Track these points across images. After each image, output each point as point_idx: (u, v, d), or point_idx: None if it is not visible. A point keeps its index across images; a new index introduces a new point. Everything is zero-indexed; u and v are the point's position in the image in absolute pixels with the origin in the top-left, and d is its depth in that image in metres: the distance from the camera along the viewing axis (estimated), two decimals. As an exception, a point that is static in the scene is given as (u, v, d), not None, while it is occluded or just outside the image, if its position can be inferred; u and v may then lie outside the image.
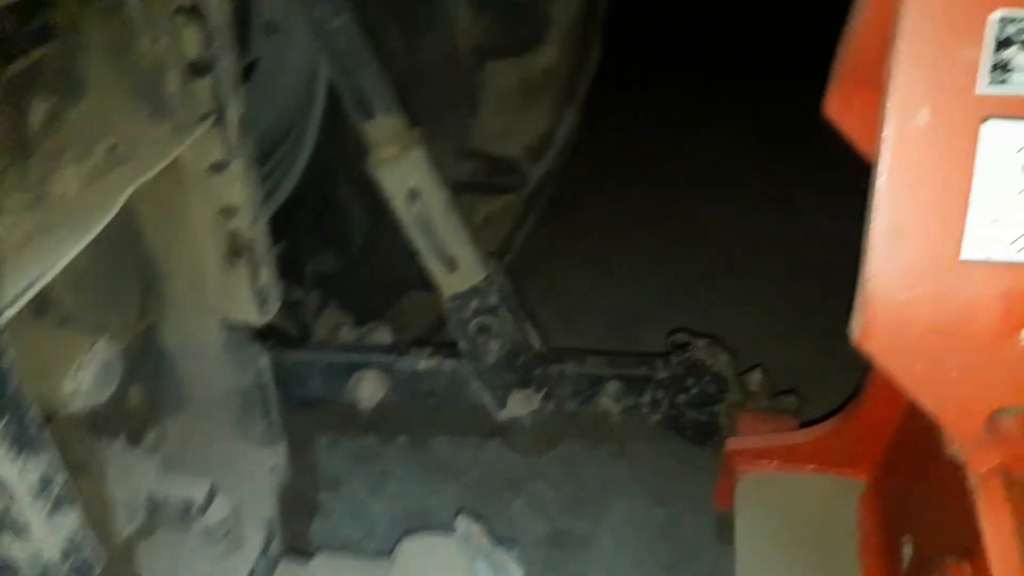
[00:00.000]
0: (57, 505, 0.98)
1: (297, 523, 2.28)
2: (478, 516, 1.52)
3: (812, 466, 1.59)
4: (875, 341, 0.73)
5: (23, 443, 0.91)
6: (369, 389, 1.96)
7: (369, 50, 1.64)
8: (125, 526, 1.41)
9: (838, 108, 0.88)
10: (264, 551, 1.56)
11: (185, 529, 1.47)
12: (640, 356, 2.10)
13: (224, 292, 1.53)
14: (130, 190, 1.20)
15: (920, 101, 0.66)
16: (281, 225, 2.28)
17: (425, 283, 1.90)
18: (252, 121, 1.46)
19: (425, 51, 1.98)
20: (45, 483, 0.95)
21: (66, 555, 1.00)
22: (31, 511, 0.94)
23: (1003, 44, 0.64)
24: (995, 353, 0.72)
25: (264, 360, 1.64)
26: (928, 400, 0.76)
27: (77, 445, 1.43)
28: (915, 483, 1.25)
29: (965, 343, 0.72)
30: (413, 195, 1.73)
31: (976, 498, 0.79)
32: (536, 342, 2.03)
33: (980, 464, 0.79)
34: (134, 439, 1.58)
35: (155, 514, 1.43)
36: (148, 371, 1.64)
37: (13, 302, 0.98)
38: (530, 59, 2.02)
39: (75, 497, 1.01)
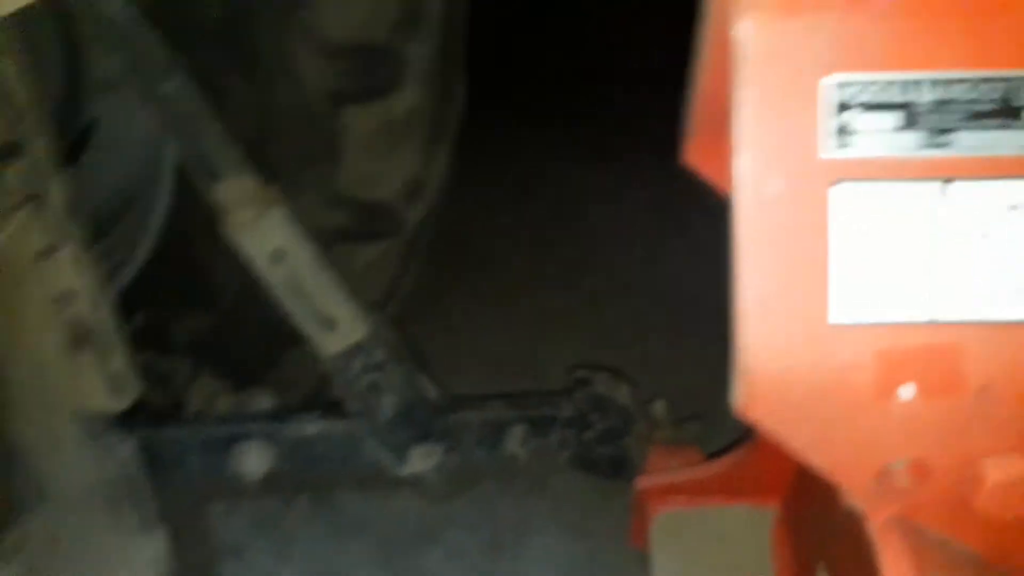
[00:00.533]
0: None
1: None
2: (391, 568, 1.44)
3: (722, 498, 1.59)
4: (757, 410, 0.70)
5: None
6: (254, 462, 1.84)
7: (207, 109, 1.54)
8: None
9: (696, 156, 0.86)
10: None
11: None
12: (542, 396, 2.06)
13: (71, 383, 1.41)
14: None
15: (768, 171, 0.63)
16: (140, 293, 2.14)
17: (307, 341, 1.81)
18: (98, 184, 1.35)
19: (276, 101, 1.88)
20: None
21: None
22: None
23: (841, 108, 0.62)
24: (877, 410, 0.71)
25: (128, 446, 1.52)
26: (817, 461, 0.74)
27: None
28: (822, 513, 1.25)
29: (846, 404, 0.71)
30: (277, 257, 1.63)
31: (876, 550, 0.78)
32: (432, 393, 1.96)
33: (877, 515, 0.77)
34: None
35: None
36: (-2, 474, 1.49)
37: None
38: (391, 101, 1.95)
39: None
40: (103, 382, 1.41)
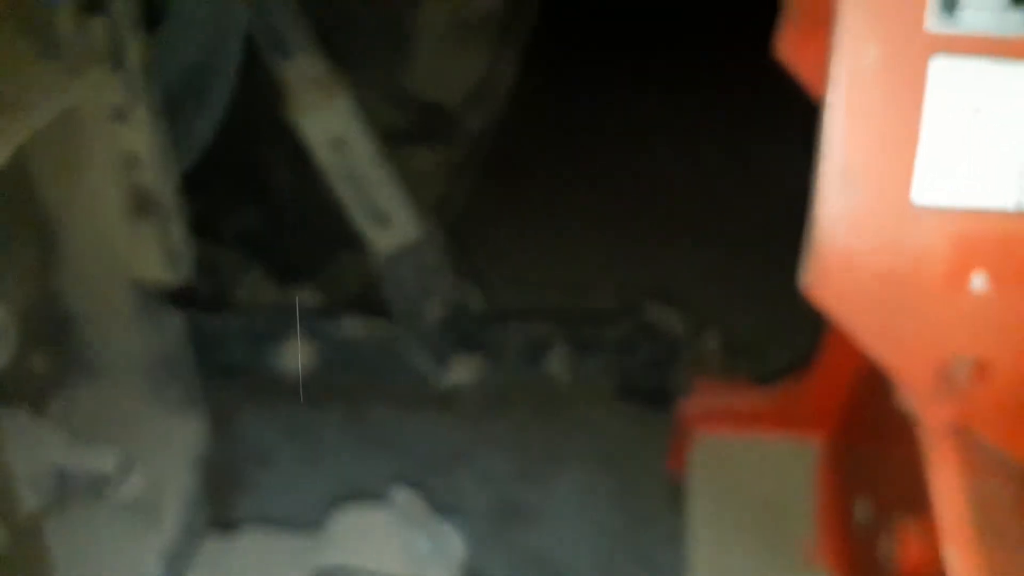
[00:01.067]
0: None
1: (224, 499, 2.25)
2: (419, 486, 1.51)
3: (768, 428, 1.61)
4: (825, 289, 0.73)
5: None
6: (296, 357, 1.93)
7: None
8: (30, 502, 1.36)
9: (789, 49, 0.87)
10: (185, 527, 1.53)
11: (97, 504, 1.44)
12: (589, 317, 2.10)
13: (131, 251, 1.48)
14: (20, 140, 1.14)
15: (868, 38, 0.65)
16: (198, 181, 2.21)
17: (357, 242, 1.86)
18: (162, 68, 1.40)
19: (351, -16, 1.91)
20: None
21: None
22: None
23: (949, -20, 0.64)
24: (946, 301, 0.73)
25: (178, 323, 1.60)
26: (879, 350, 0.76)
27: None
28: (871, 442, 1.28)
29: (916, 290, 0.73)
30: (337, 145, 1.68)
31: (927, 455, 0.81)
32: (479, 304, 2.02)
33: (932, 419, 0.80)
34: (38, 409, 1.53)
35: (64, 489, 1.39)
36: (52, 336, 1.58)
37: None
38: (468, -1, 1.97)
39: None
40: (160, 254, 1.48)
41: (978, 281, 0.71)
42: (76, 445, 1.41)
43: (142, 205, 1.44)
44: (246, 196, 2.28)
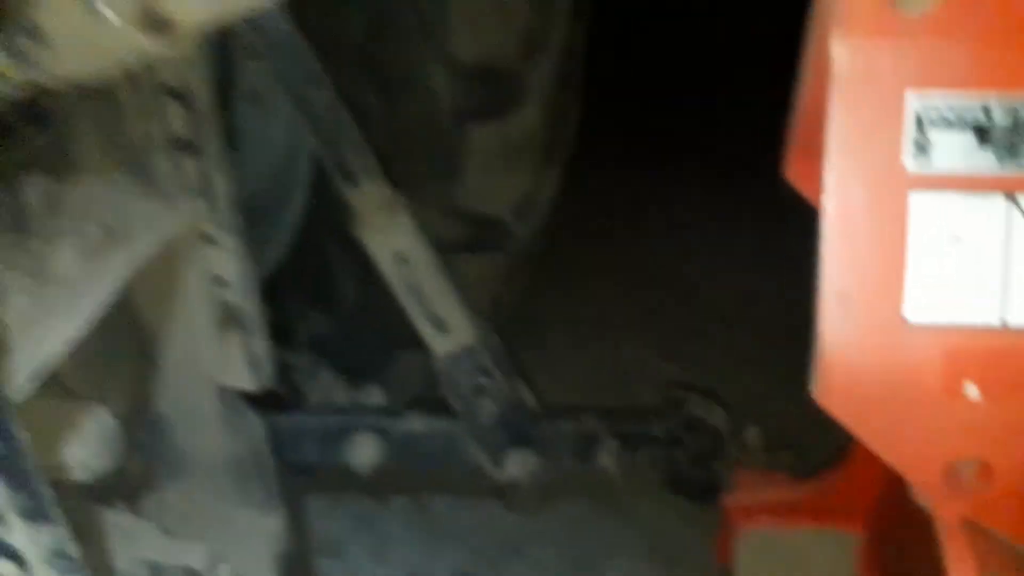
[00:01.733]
0: (68, 574, 1.04)
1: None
2: None
3: (808, 521, 1.64)
4: (831, 397, 0.81)
5: (36, 515, 0.98)
6: (365, 452, 2.02)
7: (349, 120, 1.74)
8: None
9: (795, 171, 0.97)
10: (264, 616, 1.61)
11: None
12: (636, 412, 2.16)
13: (218, 360, 1.61)
14: (127, 266, 1.28)
15: (854, 175, 0.75)
16: (271, 290, 2.37)
17: (418, 343, 1.97)
18: (239, 189, 1.55)
19: (405, 115, 2.08)
20: (57, 553, 1.01)
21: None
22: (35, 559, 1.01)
23: (923, 123, 0.73)
24: (944, 408, 0.80)
25: (259, 426, 1.71)
26: (886, 452, 0.83)
27: (77, 512, 1.49)
28: (902, 535, 1.31)
29: (915, 399, 0.80)
30: (400, 259, 1.81)
31: (942, 550, 0.86)
32: (531, 401, 2.10)
33: (945, 515, 0.86)
34: (133, 507, 1.64)
35: (156, 577, 1.49)
36: (146, 439, 1.71)
37: (21, 386, 1.06)
38: (510, 121, 2.12)
39: (83, 566, 1.07)
40: (244, 362, 1.60)
41: (972, 391, 0.79)
42: (168, 541, 1.52)
43: (228, 319, 1.58)
44: (317, 304, 2.43)
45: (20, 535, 0.98)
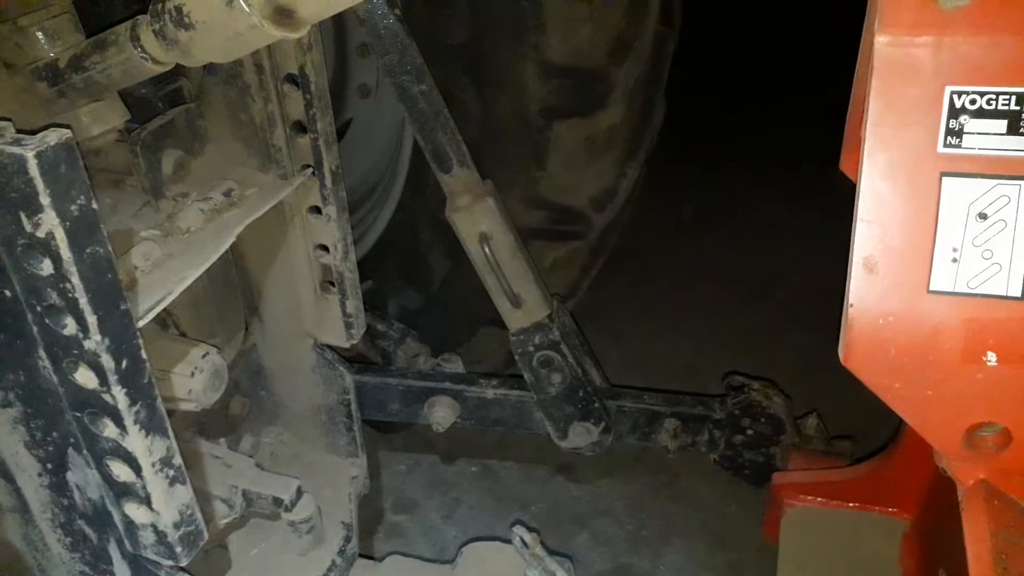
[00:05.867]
0: (173, 482, 1.14)
1: (373, 540, 2.42)
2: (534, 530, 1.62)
3: (856, 503, 1.62)
4: (857, 360, 0.82)
5: (151, 427, 1.08)
6: (442, 413, 2.10)
7: (447, 112, 1.82)
8: (223, 516, 1.57)
9: (848, 165, 0.98)
10: (342, 550, 1.70)
11: (273, 524, 1.63)
12: (697, 396, 2.17)
13: (316, 318, 1.70)
14: (242, 227, 1.38)
15: (889, 158, 0.76)
16: (370, 267, 2.48)
17: (497, 321, 2.04)
18: (346, 174, 1.63)
19: (499, 112, 2.14)
20: (165, 462, 1.11)
21: (177, 525, 1.15)
22: (153, 484, 1.10)
23: (957, 112, 0.73)
24: (964, 375, 0.80)
25: (349, 380, 1.80)
26: (909, 415, 0.83)
27: (185, 443, 1.61)
28: (949, 521, 1.29)
29: (936, 364, 0.80)
30: (484, 239, 1.88)
31: (962, 511, 0.86)
32: (597, 378, 2.13)
33: (965, 479, 0.86)
34: (233, 444, 1.76)
35: (249, 508, 1.59)
36: (247, 386, 1.82)
37: (146, 315, 1.16)
38: (595, 119, 2.15)
39: (187, 478, 1.17)
40: (341, 321, 1.69)
41: (991, 358, 0.79)
42: (260, 473, 1.62)
43: (328, 282, 1.67)
44: (409, 281, 2.52)
45: (136, 442, 1.08)
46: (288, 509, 1.58)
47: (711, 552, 2.38)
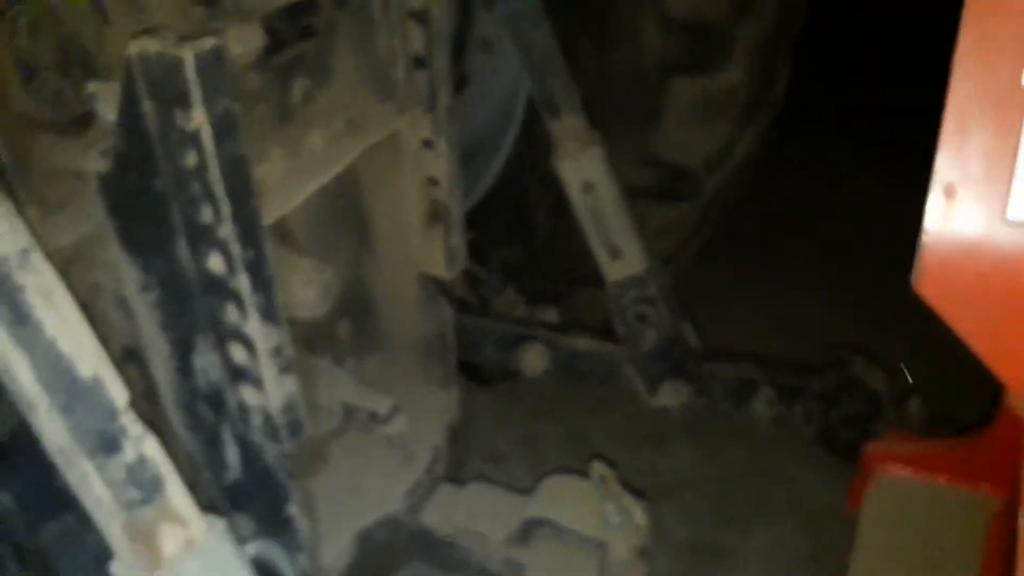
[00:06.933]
0: (284, 370, 1.30)
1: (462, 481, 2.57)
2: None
3: (947, 477, 1.63)
4: (930, 288, 0.88)
5: (269, 316, 1.25)
6: (534, 360, 2.22)
7: (561, 59, 1.92)
8: (324, 425, 1.75)
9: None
10: (429, 469, 1.85)
11: (369, 437, 1.80)
12: (795, 365, 2.20)
13: (422, 250, 1.85)
14: (359, 151, 1.54)
15: (976, 88, 0.81)
16: (476, 220, 2.61)
17: (596, 281, 2.13)
18: (461, 126, 1.76)
19: (615, 65, 2.22)
20: (278, 350, 1.28)
21: (285, 411, 1.32)
22: (266, 368, 1.28)
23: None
24: (1037, 305, 0.85)
25: (449, 313, 1.94)
26: (980, 348, 0.88)
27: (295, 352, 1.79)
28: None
29: (1012, 296, 0.85)
30: (587, 187, 1.98)
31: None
32: (692, 339, 2.20)
33: (1035, 416, 0.91)
34: (337, 363, 1.94)
35: (348, 419, 1.76)
36: (354, 311, 1.99)
37: (271, 220, 1.34)
38: (714, 77, 2.21)
39: (295, 369, 1.33)
40: (443, 254, 1.84)
41: (1067, 291, 0.83)
42: (361, 389, 1.79)
43: (435, 215, 1.82)
44: (513, 234, 2.65)
45: (254, 327, 1.25)
46: (383, 423, 1.75)
47: (800, 533, 2.39)
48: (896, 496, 1.63)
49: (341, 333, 1.96)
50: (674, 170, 2.36)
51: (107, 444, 0.97)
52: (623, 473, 2.57)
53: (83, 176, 1.27)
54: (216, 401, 1.38)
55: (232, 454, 1.43)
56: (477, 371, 2.53)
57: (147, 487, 1.00)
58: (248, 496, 1.43)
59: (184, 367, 1.37)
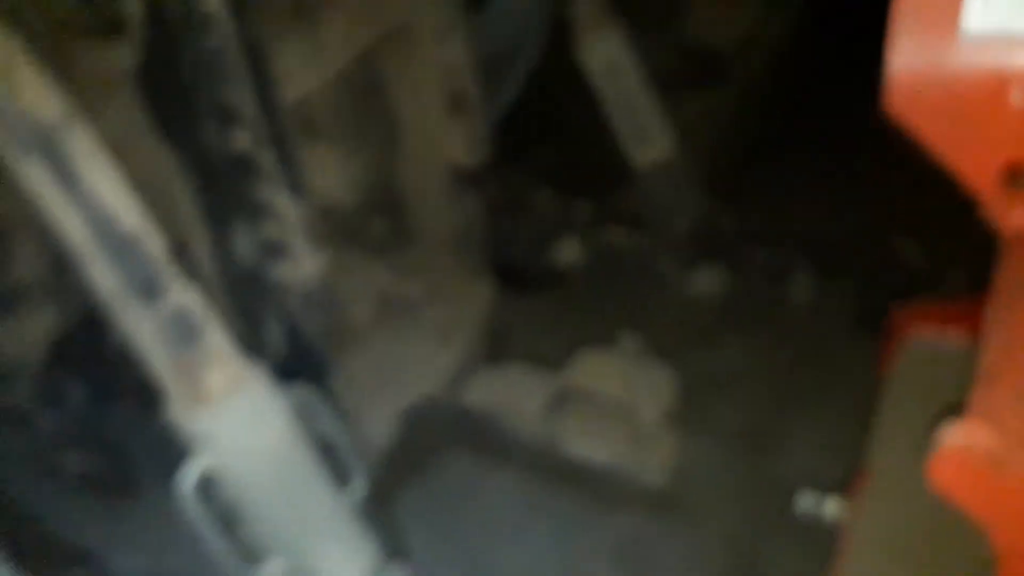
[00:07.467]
0: (315, 244, 1.44)
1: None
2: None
3: (973, 334, 1.64)
4: (899, 104, 0.94)
5: (296, 187, 1.38)
6: (569, 253, 2.32)
7: None
8: (363, 315, 1.90)
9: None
10: (467, 352, 1.99)
11: (410, 323, 1.94)
12: (835, 244, 2.23)
13: (446, 139, 1.95)
14: (374, 37, 1.64)
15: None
16: (510, 124, 2.69)
17: (629, 178, 2.18)
18: (489, 37, 1.78)
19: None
20: (308, 224, 1.41)
21: (318, 284, 1.47)
22: (298, 240, 1.41)
23: None
24: (995, 114, 0.90)
25: (478, 203, 2.04)
26: (946, 154, 0.95)
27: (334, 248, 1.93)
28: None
29: (970, 105, 0.91)
30: (612, 69, 2.05)
31: (1001, 258, 0.98)
32: (728, 222, 2.26)
33: (1006, 226, 0.97)
34: (374, 256, 2.07)
35: (384, 306, 1.90)
36: (386, 208, 2.12)
37: (291, 100, 1.46)
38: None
39: (325, 248, 1.46)
40: (467, 142, 1.94)
41: (1018, 97, 0.89)
42: (394, 275, 1.92)
43: (456, 104, 1.91)
44: (545, 135, 2.73)
45: (282, 200, 1.38)
46: (419, 307, 1.88)
47: (847, 417, 2.44)
48: (926, 359, 1.63)
49: (375, 229, 2.09)
50: (704, 55, 2.40)
51: (151, 290, 1.12)
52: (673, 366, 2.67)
53: (117, 79, 1.40)
54: (256, 282, 1.52)
55: (274, 333, 1.58)
56: (515, 278, 2.64)
57: (190, 330, 1.15)
58: (290, 376, 1.58)
59: (224, 253, 1.51)
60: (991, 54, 0.90)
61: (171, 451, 1.59)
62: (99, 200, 1.07)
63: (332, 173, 1.68)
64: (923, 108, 0.95)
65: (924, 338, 1.70)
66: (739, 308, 2.51)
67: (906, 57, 0.93)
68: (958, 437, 0.83)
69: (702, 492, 2.08)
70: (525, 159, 2.78)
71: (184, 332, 1.16)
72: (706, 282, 2.24)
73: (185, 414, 1.21)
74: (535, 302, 2.88)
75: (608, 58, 2.03)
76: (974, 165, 0.96)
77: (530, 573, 1.99)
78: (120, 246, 1.10)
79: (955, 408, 0.89)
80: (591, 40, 2.03)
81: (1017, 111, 0.90)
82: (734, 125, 2.58)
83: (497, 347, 2.10)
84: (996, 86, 0.91)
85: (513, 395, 1.91)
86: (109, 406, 1.93)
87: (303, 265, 1.44)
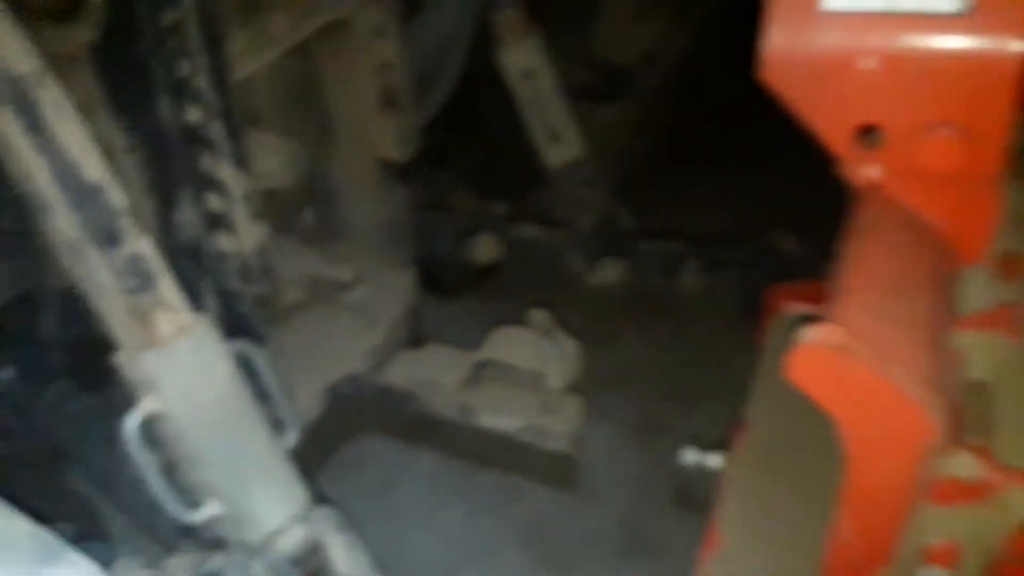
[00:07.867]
0: (255, 217, 1.54)
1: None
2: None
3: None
4: (770, 75, 1.13)
5: (240, 160, 1.48)
6: (486, 249, 2.47)
7: None
8: (291, 296, 1.99)
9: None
10: (390, 335, 2.10)
11: (335, 306, 2.04)
12: (719, 238, 2.45)
13: (377, 134, 2.08)
14: (313, 28, 1.76)
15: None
16: (436, 128, 2.84)
17: (543, 181, 2.35)
18: (419, 46, 1.91)
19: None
20: (249, 197, 1.52)
21: (257, 254, 1.57)
22: (239, 212, 1.51)
23: None
24: (849, 78, 1.10)
25: (405, 199, 2.17)
26: (809, 118, 1.13)
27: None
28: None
29: (828, 72, 1.11)
30: (527, 75, 2.22)
31: (854, 204, 1.17)
32: (627, 220, 2.46)
33: (858, 181, 1.17)
34: (305, 244, 2.17)
35: (313, 289, 2.00)
36: (318, 199, 2.22)
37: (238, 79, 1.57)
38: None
39: (264, 219, 1.57)
40: (397, 137, 2.07)
41: (867, 62, 1.09)
42: (325, 261, 2.03)
43: (388, 101, 2.05)
44: (467, 138, 2.89)
45: (228, 173, 1.48)
46: (346, 291, 1.99)
47: (737, 406, 2.63)
48: (788, 329, 1.83)
49: (307, 219, 2.20)
50: (611, 69, 2.61)
51: (110, 238, 1.20)
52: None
53: (74, 59, 1.47)
54: (195, 253, 1.61)
55: (211, 303, 1.67)
56: (435, 275, 2.76)
57: (144, 277, 1.23)
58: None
59: (167, 224, 1.59)
60: (844, 28, 1.10)
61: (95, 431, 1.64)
62: (66, 151, 1.16)
63: (268, 159, 1.78)
64: (790, 78, 1.14)
65: (791, 310, 1.90)
66: (636, 297, 2.70)
67: (776, 34, 1.13)
68: (813, 336, 0.99)
69: (599, 473, 2.24)
70: (446, 163, 2.94)
71: (138, 278, 1.23)
72: (608, 274, 2.42)
73: (135, 359, 1.28)
74: (449, 314, 3.02)
75: (526, 63, 2.21)
76: (831, 127, 1.15)
77: (440, 560, 2.10)
78: (84, 194, 1.18)
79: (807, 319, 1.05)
80: (511, 47, 2.21)
81: (865, 78, 1.10)
82: (636, 134, 2.79)
83: (418, 332, 2.22)
84: (848, 56, 1.10)
85: (432, 373, 2.03)
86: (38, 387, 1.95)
87: (243, 237, 1.53)
